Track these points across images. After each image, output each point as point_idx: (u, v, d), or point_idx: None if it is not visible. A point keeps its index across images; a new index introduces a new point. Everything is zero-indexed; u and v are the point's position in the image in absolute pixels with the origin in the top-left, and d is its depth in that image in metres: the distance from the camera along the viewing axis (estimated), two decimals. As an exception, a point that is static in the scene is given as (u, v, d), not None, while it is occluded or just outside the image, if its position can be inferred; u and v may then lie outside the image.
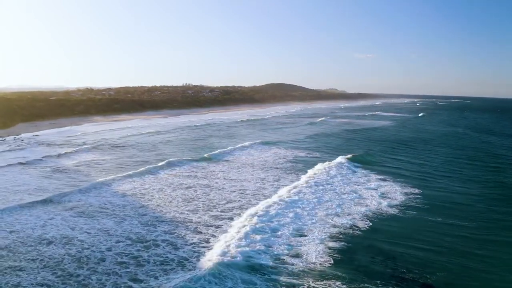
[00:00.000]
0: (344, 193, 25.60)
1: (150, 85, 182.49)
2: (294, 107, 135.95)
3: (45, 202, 21.86)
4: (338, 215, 21.13)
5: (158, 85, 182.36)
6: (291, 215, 21.02)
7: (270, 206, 22.18)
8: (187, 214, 20.71)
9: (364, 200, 23.98)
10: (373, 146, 45.78)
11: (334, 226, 19.50)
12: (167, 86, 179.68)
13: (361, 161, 35.78)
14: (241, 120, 75.64)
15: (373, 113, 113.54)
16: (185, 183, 26.96)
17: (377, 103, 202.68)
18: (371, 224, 19.89)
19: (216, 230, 18.64)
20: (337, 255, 16.18)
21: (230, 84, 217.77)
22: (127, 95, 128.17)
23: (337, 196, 24.90)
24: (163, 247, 16.63)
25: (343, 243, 17.40)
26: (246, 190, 25.75)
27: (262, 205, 22.36)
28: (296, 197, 24.23)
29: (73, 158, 35.20)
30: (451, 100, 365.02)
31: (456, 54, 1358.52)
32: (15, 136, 48.61)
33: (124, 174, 28.29)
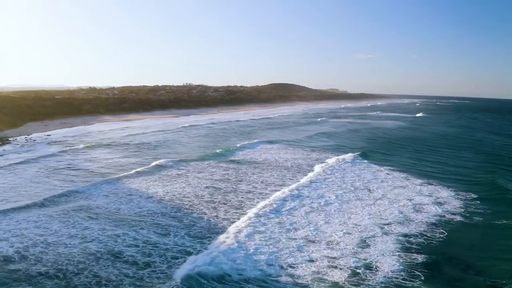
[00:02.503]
0: (395, 200, 23.99)
1: (150, 84, 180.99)
2: (301, 107, 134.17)
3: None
4: (400, 223, 19.49)
5: (159, 84, 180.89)
6: (358, 226, 19.38)
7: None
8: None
9: (421, 206, 22.33)
10: (402, 149, 43.31)
11: (402, 235, 17.86)
12: (169, 86, 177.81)
13: (396, 165, 34.21)
14: (260, 121, 73.90)
15: (384, 114, 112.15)
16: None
17: (379, 103, 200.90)
18: (443, 232, 18.22)
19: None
20: (424, 270, 14.50)
21: (230, 84, 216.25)
22: (131, 94, 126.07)
23: (389, 203, 23.28)
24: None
25: (421, 255, 15.72)
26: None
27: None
28: (358, 205, 22.57)
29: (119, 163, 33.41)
30: (450, 101, 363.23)
31: (456, 55, 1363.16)
32: (26, 136, 46.61)
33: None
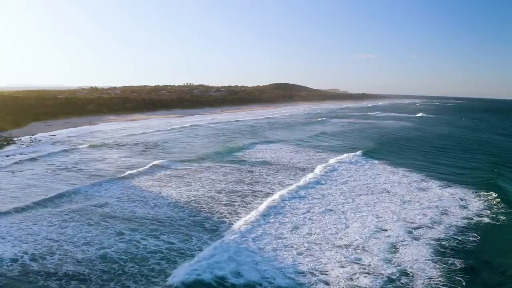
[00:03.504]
0: (417, 201, 23.33)
1: (150, 84, 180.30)
2: (304, 108, 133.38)
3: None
4: (429, 227, 18.78)
5: (159, 84, 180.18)
6: (383, 233, 18.68)
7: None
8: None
9: (445, 208, 21.65)
10: (413, 151, 42.31)
11: (434, 239, 17.16)
12: (170, 86, 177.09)
13: (410, 166, 33.50)
14: (266, 121, 73.05)
15: (387, 114, 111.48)
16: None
17: (380, 104, 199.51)
18: (475, 236, 17.51)
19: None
20: (463, 275, 13.79)
21: (230, 84, 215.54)
22: (133, 94, 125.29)
23: (411, 205, 22.61)
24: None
25: (457, 260, 15.01)
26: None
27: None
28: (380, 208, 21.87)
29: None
30: (450, 101, 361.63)
31: (456, 55, 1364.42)
32: (31, 136, 45.78)
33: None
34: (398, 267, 14.55)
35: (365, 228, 18.46)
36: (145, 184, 24.98)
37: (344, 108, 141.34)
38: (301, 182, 26.35)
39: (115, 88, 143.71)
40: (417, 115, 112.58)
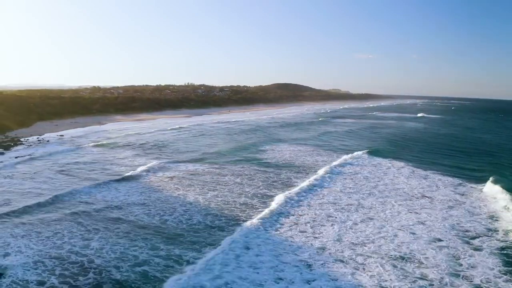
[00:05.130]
0: (463, 207, 21.74)
1: (150, 84, 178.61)
2: (310, 108, 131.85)
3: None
4: (487, 236, 17.23)
5: (160, 84, 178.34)
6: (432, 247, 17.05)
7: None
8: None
9: (493, 213, 20.12)
10: (436, 154, 40.05)
11: (497, 249, 15.64)
12: (172, 85, 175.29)
13: (441, 169, 31.92)
14: (275, 121, 71.31)
15: (397, 114, 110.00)
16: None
17: (382, 104, 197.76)
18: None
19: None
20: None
21: (231, 83, 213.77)
22: (136, 93, 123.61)
23: (457, 211, 21.02)
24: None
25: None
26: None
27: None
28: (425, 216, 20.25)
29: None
30: (450, 101, 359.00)
31: (456, 55, 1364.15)
32: (38, 136, 44.09)
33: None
34: (471, 282, 13.01)
35: (417, 238, 16.90)
36: (168, 187, 23.37)
37: (350, 108, 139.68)
38: (333, 187, 24.78)
39: (118, 87, 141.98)
40: (418, 115, 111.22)
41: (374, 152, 37.93)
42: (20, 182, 23.65)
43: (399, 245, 16.16)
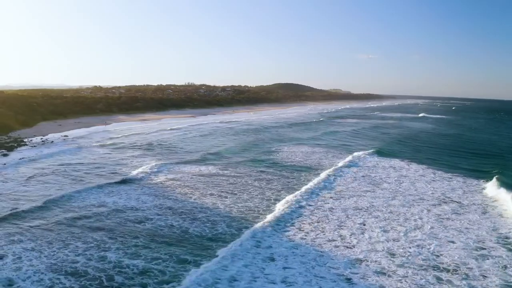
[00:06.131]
0: (489, 211, 20.57)
1: (150, 83, 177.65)
2: (314, 107, 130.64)
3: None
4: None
5: (160, 83, 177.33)
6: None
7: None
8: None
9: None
10: (454, 156, 38.57)
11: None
12: (174, 85, 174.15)
13: (463, 172, 30.83)
14: (282, 121, 70.04)
15: (401, 114, 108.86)
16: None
17: (384, 104, 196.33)
18: None
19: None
20: None
21: (231, 83, 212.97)
22: (138, 93, 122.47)
23: (491, 217, 19.83)
24: None
25: None
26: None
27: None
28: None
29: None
30: (450, 101, 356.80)
31: (456, 55, 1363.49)
32: (42, 137, 42.84)
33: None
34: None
35: (456, 247, 15.72)
36: (182, 190, 22.15)
37: (354, 108, 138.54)
38: (354, 190, 23.59)
39: (119, 87, 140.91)
40: (419, 114, 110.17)
41: (388, 153, 36.95)
42: (25, 185, 22.42)
43: (438, 255, 15.00)
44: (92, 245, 14.57)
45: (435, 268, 13.90)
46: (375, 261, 14.32)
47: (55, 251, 13.97)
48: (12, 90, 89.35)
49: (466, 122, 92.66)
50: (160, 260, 13.42)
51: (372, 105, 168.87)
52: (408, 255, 14.89)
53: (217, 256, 13.84)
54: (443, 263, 14.36)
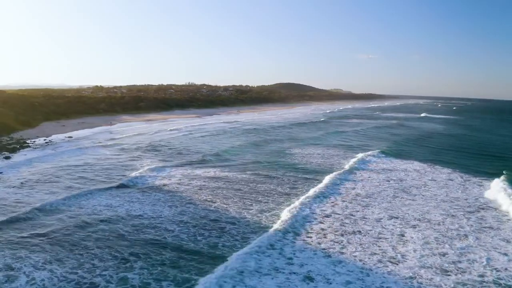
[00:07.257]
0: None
1: (150, 83, 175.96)
2: (318, 107, 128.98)
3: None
4: None
5: (160, 83, 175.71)
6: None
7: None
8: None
9: None
10: (482, 160, 37.41)
11: None
12: (175, 85, 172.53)
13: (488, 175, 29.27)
14: (290, 122, 68.55)
15: (405, 115, 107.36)
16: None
17: (386, 104, 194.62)
18: None
19: None
20: None
21: (232, 83, 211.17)
22: (140, 93, 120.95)
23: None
24: None
25: None
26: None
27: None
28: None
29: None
30: (452, 101, 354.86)
31: (456, 55, 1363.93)
32: (45, 138, 41.27)
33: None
34: None
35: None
36: (201, 197, 20.56)
37: (358, 108, 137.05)
38: (382, 197, 22.06)
39: (120, 87, 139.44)
40: (421, 114, 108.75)
41: (408, 155, 35.55)
42: (31, 190, 20.86)
43: (496, 271, 13.50)
44: (110, 263, 12.99)
45: (497, 284, 12.44)
46: (429, 279, 12.82)
47: (67, 271, 12.41)
48: (12, 90, 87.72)
49: (473, 122, 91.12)
50: (193, 282, 11.85)
51: (374, 105, 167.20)
52: (462, 271, 13.42)
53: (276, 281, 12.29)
54: (501, 279, 12.88)
